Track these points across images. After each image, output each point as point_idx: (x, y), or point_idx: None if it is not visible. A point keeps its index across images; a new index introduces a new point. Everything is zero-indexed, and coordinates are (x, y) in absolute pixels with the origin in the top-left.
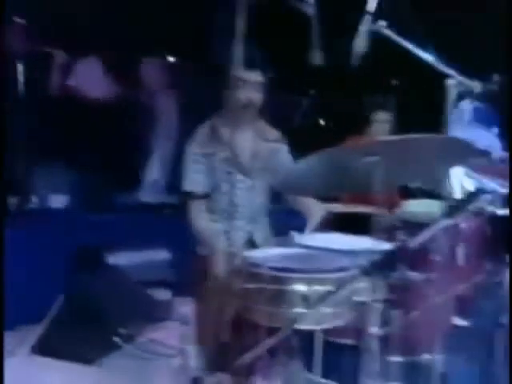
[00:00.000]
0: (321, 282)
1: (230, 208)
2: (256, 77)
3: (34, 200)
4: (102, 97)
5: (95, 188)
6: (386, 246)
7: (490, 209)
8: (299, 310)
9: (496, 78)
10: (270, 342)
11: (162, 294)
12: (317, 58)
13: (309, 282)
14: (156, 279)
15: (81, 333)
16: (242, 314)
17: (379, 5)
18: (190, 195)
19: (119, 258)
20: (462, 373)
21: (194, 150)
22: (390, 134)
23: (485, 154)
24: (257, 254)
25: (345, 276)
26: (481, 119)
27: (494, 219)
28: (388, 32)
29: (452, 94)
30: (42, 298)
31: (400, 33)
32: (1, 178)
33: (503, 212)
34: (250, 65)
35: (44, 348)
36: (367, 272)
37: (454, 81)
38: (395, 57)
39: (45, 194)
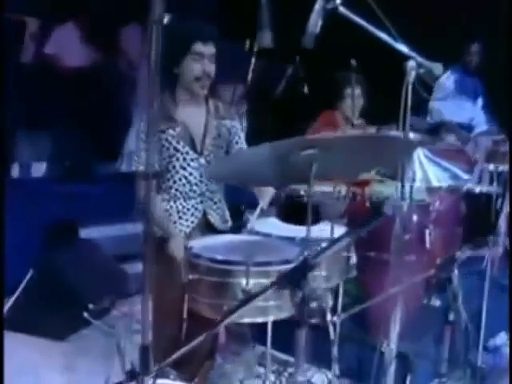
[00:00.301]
0: (262, 275)
1: (183, 187)
2: (211, 49)
3: (15, 169)
4: (81, 65)
5: (73, 157)
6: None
7: (468, 186)
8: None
9: (475, 47)
10: (204, 336)
11: (138, 268)
12: (266, 39)
13: (249, 275)
14: (132, 252)
15: (51, 308)
16: (189, 304)
17: None
18: (139, 175)
19: (93, 231)
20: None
21: (143, 129)
22: (362, 110)
23: (466, 127)
24: (201, 243)
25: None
26: (464, 91)
27: (471, 196)
28: (344, 10)
29: (411, 75)
30: (16, 271)
31: (358, 11)
32: None
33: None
34: (205, 37)
35: (13, 323)
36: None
37: (414, 62)
38: (354, 36)
39: (26, 163)
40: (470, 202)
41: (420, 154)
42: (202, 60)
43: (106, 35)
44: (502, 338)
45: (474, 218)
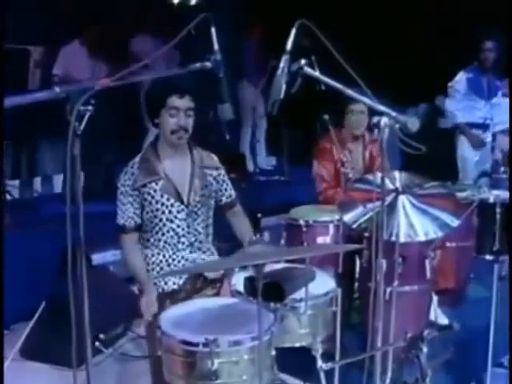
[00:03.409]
0: (229, 354)
1: (171, 239)
2: (187, 103)
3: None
4: (93, 79)
5: (88, 175)
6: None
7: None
8: (211, 382)
9: (489, 44)
10: None
11: None
12: (227, 112)
13: (216, 355)
14: None
15: (64, 337)
16: (166, 377)
17: (297, 43)
18: (121, 229)
19: (104, 255)
20: None
21: (124, 183)
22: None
23: (481, 126)
24: (171, 316)
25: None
26: (477, 90)
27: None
28: (310, 71)
29: (385, 132)
30: (36, 296)
31: (325, 70)
32: None
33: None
34: (181, 91)
35: (29, 351)
36: None
37: (387, 119)
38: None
39: (48, 176)
40: (483, 213)
41: (405, 202)
42: (177, 114)
43: (114, 48)
44: None
45: (488, 229)
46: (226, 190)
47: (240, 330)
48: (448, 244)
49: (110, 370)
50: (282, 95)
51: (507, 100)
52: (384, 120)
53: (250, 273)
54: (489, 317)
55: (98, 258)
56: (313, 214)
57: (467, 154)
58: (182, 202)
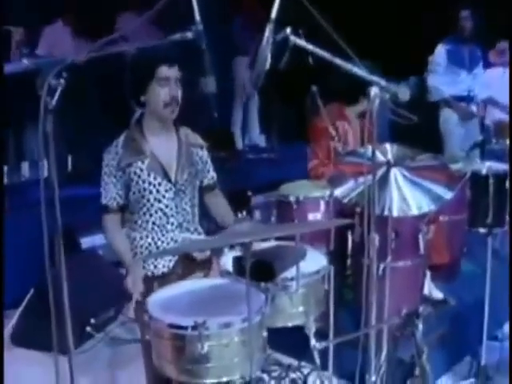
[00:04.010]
0: (219, 336)
1: (160, 220)
2: (176, 72)
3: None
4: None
5: (75, 159)
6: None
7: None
8: (202, 365)
9: (465, 13)
10: None
11: None
12: (210, 85)
13: (205, 338)
14: None
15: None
16: (155, 362)
17: (282, 11)
18: (104, 209)
19: (96, 239)
20: None
21: (109, 162)
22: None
23: (465, 98)
24: (158, 299)
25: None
26: (458, 61)
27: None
28: (296, 40)
29: (375, 103)
30: (18, 285)
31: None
32: None
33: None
34: (169, 61)
35: (18, 338)
36: None
37: (377, 89)
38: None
39: (35, 161)
40: (476, 185)
41: (398, 175)
42: (168, 84)
43: (99, 28)
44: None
45: (481, 202)
46: (208, 171)
47: (230, 312)
48: (441, 218)
49: (102, 355)
50: (266, 67)
51: (490, 70)
52: (374, 90)
53: (239, 252)
54: (483, 290)
55: (87, 242)
56: (303, 190)
57: (453, 128)
58: (169, 181)
